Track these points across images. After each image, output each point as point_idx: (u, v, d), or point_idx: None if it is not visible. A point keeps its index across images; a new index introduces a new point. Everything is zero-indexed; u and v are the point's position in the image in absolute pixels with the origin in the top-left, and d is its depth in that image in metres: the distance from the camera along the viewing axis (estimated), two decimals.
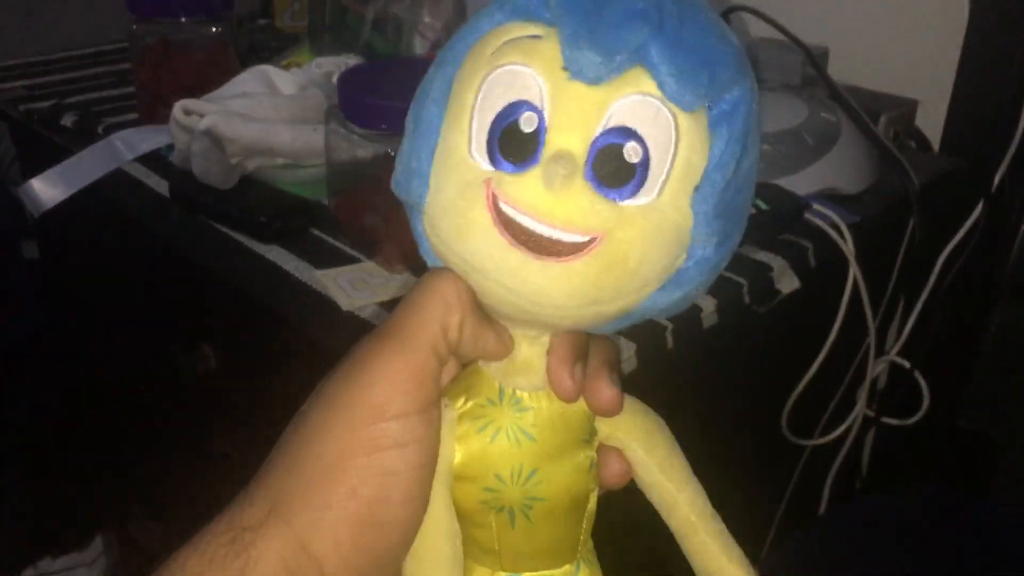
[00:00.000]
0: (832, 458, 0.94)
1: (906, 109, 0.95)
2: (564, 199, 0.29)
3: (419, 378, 0.31)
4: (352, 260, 0.73)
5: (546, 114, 0.29)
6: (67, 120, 0.98)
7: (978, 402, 1.00)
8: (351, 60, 0.90)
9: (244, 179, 0.80)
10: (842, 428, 0.90)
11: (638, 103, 0.29)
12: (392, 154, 0.69)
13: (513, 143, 0.29)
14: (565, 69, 0.29)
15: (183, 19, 0.92)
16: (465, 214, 0.30)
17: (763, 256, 0.74)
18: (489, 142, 0.30)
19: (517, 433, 0.33)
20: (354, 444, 0.30)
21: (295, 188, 0.81)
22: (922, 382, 0.92)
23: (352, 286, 0.69)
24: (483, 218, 0.30)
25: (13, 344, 1.33)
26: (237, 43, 0.98)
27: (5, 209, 1.31)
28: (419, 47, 1.00)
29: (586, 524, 0.35)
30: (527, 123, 0.29)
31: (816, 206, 0.78)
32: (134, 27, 0.93)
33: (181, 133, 0.80)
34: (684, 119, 0.29)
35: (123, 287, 1.01)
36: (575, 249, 0.29)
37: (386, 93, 0.69)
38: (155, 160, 0.88)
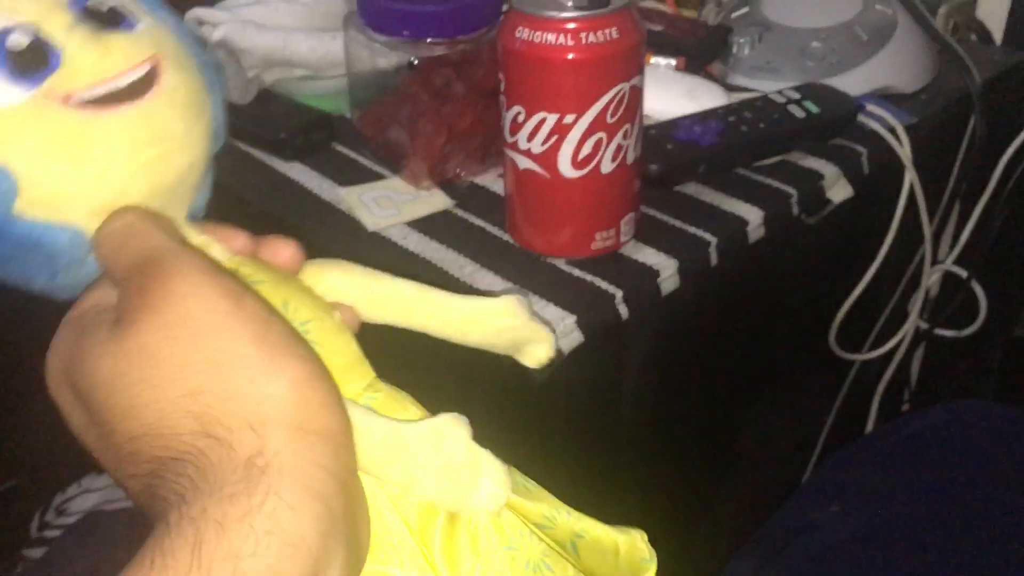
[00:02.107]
0: (881, 373, 0.91)
1: None
2: (107, 48, 0.32)
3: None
4: (377, 176, 0.70)
5: (15, 22, 0.31)
6: None
7: None
8: None
9: (262, 93, 0.77)
10: (894, 341, 0.86)
11: None
12: (415, 63, 0.66)
13: (23, 61, 0.31)
14: None
15: None
16: (61, 139, 0.31)
17: (813, 163, 0.70)
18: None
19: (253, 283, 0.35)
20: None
21: (315, 101, 0.77)
22: (980, 292, 0.87)
23: (377, 204, 0.66)
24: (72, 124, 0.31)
25: None
26: None
27: None
28: None
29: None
30: (16, 44, 0.31)
31: (870, 107, 0.73)
32: None
33: None
34: None
35: None
36: (148, 84, 0.33)
37: None
38: None
